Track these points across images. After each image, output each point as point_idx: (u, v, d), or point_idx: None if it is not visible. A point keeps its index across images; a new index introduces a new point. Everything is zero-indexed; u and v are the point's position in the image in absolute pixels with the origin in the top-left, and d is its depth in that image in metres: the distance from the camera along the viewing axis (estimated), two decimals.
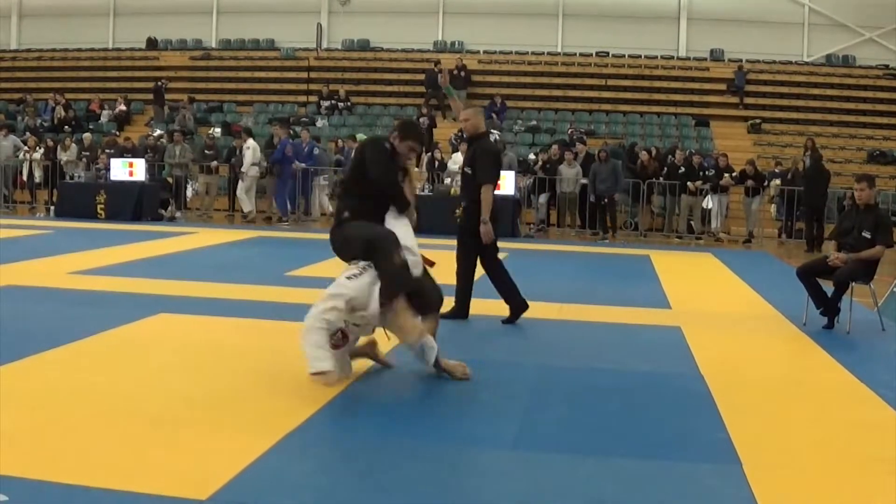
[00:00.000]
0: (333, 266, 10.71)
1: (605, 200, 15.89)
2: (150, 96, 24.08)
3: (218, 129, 21.02)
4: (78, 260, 10.19)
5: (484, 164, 6.98)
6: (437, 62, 23.57)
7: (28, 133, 20.22)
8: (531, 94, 23.85)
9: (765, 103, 23.18)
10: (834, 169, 19.20)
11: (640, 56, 24.43)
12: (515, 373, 5.57)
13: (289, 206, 16.97)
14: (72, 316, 6.89)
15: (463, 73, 23.23)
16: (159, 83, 23.50)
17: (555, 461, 3.99)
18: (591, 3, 25.39)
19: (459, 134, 19.79)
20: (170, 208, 17.02)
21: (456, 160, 16.96)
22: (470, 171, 6.96)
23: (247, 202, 17.06)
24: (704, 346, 6.60)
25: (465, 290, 7.09)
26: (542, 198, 16.92)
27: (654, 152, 17.46)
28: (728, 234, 17.01)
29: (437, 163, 17.51)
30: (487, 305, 7.55)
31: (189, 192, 18.16)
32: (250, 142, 17.11)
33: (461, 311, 7.06)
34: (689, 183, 16.06)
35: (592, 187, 15.98)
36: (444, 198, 15.64)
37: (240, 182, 17.03)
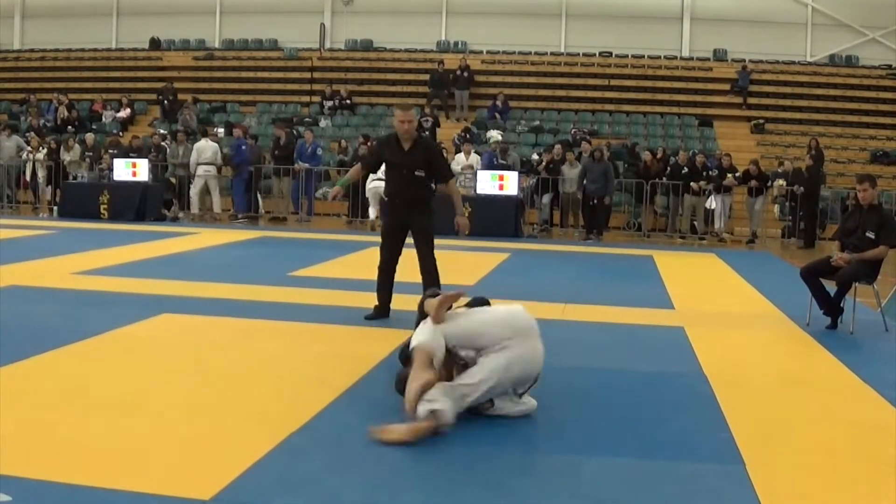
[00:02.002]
0: (335, 266, 10.77)
1: (595, 201, 15.82)
2: (154, 96, 24.12)
3: (221, 130, 21.04)
4: (81, 260, 10.20)
5: (444, 161, 7.26)
6: (441, 62, 23.59)
7: (32, 133, 20.23)
8: (534, 95, 23.83)
9: (768, 103, 23.14)
10: (837, 169, 19.25)
11: (643, 56, 24.39)
12: None
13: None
14: (75, 316, 6.90)
15: (466, 74, 23.23)
16: (162, 96, 23.41)
17: (557, 461, 3.99)
18: (595, 4, 25.37)
19: (463, 134, 19.84)
20: (173, 208, 17.05)
21: (459, 161, 16.96)
22: (423, 173, 6.91)
23: (195, 202, 17.27)
24: (707, 346, 6.60)
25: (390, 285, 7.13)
26: (546, 198, 16.92)
27: (661, 153, 17.45)
28: (731, 234, 17.00)
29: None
30: None
31: (192, 193, 18.18)
32: (202, 142, 17.39)
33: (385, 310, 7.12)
34: (692, 183, 16.05)
35: (581, 185, 15.96)
36: (447, 198, 15.63)
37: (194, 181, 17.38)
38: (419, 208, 6.95)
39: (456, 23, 26.11)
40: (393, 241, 7.04)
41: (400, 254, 7.05)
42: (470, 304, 4.90)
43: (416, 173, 6.90)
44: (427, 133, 20.26)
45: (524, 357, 4.47)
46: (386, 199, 7.26)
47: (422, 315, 4.75)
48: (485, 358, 4.42)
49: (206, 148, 17.21)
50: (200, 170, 17.14)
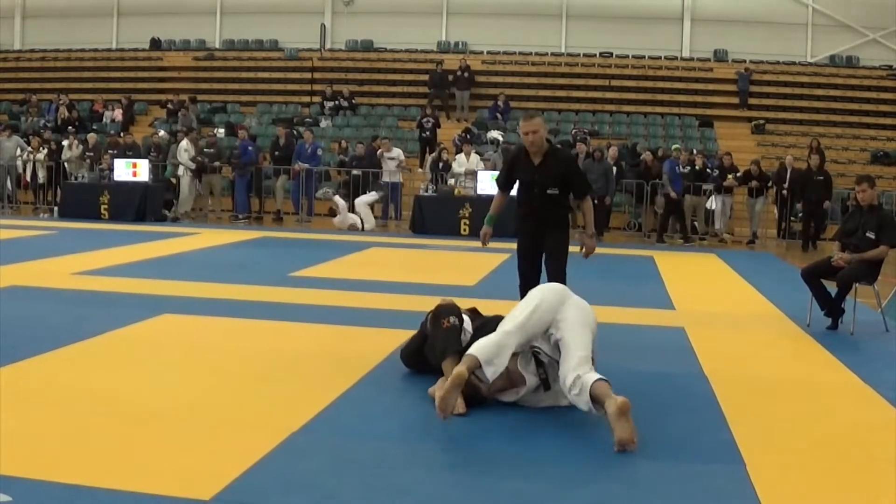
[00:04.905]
0: (336, 267, 10.77)
1: (595, 202, 15.71)
2: (154, 97, 24.09)
3: (221, 130, 21.06)
4: (81, 260, 10.20)
5: (581, 176, 6.58)
6: (440, 62, 23.61)
7: (32, 135, 20.22)
8: (535, 95, 23.81)
9: (769, 104, 23.15)
10: (838, 170, 19.21)
11: (643, 56, 24.39)
12: None
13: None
14: (75, 316, 6.90)
15: (466, 74, 23.24)
16: (173, 106, 23.45)
17: (557, 461, 3.99)
18: (595, 4, 25.38)
19: (464, 134, 19.83)
20: (173, 209, 17.06)
21: (461, 162, 16.96)
22: (557, 191, 6.26)
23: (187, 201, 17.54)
24: (708, 346, 6.60)
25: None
26: None
27: (660, 153, 17.44)
28: (731, 234, 17.00)
29: (441, 163, 17.51)
30: (492, 306, 7.55)
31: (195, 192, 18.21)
32: (183, 142, 17.66)
33: None
34: (703, 185, 16.12)
35: None
36: (448, 198, 15.66)
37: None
38: (553, 227, 6.32)
39: (456, 23, 26.12)
40: (530, 262, 6.45)
41: (540, 270, 6.45)
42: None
43: (549, 192, 6.21)
44: (428, 134, 20.28)
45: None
46: (517, 218, 6.53)
47: (435, 322, 5.09)
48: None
49: (183, 149, 17.50)
50: (179, 169, 17.48)
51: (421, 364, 5.34)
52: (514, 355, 4.72)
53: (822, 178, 15.70)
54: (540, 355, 4.74)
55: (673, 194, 15.60)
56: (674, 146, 17.38)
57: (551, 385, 4.74)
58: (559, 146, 6.67)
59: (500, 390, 4.75)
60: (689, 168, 16.31)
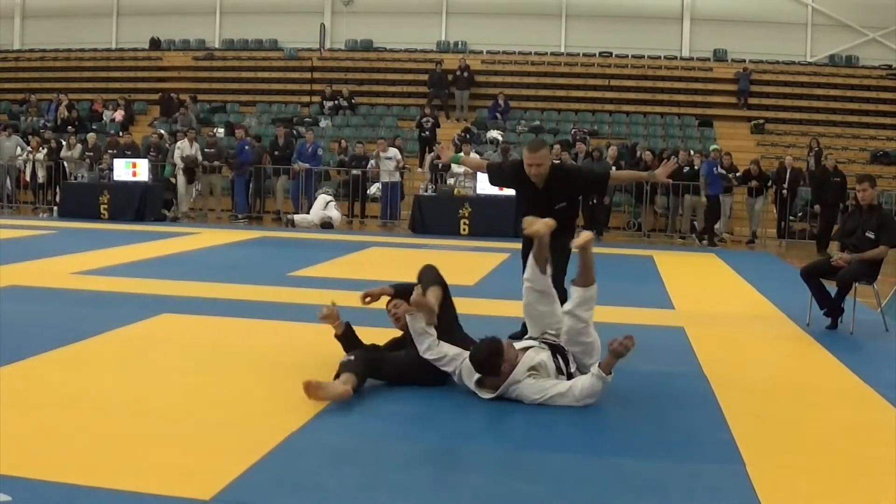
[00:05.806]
0: (335, 267, 10.76)
1: (594, 201, 15.76)
2: (154, 97, 24.10)
3: (221, 130, 21.05)
4: (81, 260, 10.20)
5: (585, 177, 6.87)
6: (440, 62, 23.61)
7: (32, 135, 20.21)
8: (534, 95, 23.83)
9: (768, 104, 23.15)
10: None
11: (643, 56, 24.39)
12: None
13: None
14: (75, 316, 6.90)
15: (466, 74, 23.23)
16: (165, 102, 23.43)
17: (557, 461, 3.99)
18: (595, 4, 25.37)
19: (463, 134, 19.83)
20: (173, 209, 17.05)
21: None
22: (565, 203, 6.26)
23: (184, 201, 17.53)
24: (707, 346, 6.60)
25: None
26: None
27: (684, 156, 17.41)
28: (731, 234, 17.00)
29: (440, 163, 17.50)
30: (492, 306, 7.56)
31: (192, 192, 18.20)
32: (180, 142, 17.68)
33: None
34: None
35: None
36: (448, 198, 15.66)
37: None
38: (560, 231, 6.10)
39: (456, 23, 26.12)
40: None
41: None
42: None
43: (557, 207, 6.16)
44: (427, 134, 20.27)
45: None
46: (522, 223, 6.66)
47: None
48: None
49: (181, 149, 17.48)
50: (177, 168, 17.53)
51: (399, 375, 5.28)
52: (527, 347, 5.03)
53: (838, 179, 15.67)
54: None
55: (704, 199, 15.53)
56: (712, 147, 17.24)
57: (564, 370, 4.99)
58: (559, 160, 6.52)
59: (514, 364, 4.84)
60: (728, 171, 16.19)
